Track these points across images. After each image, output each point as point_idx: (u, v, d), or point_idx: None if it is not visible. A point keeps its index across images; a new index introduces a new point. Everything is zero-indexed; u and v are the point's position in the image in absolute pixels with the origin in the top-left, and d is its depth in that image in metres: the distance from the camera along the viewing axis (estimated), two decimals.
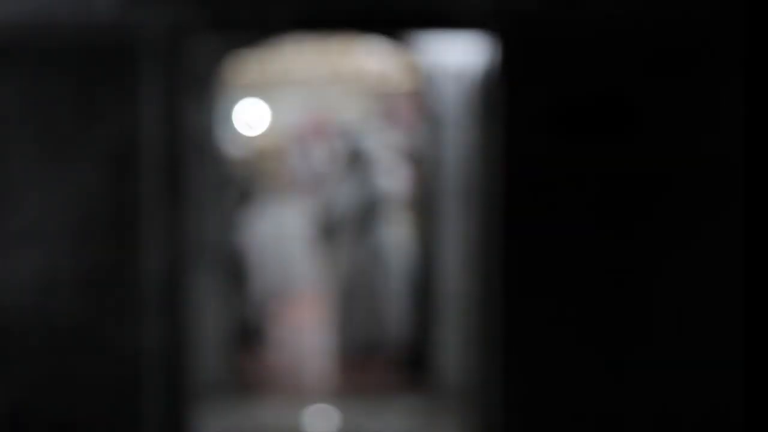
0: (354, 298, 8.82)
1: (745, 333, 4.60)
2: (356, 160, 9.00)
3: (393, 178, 8.78)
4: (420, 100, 7.82)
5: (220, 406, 7.02)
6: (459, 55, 6.79)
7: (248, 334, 8.31)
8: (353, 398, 7.23)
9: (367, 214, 8.81)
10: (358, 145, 9.09)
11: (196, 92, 6.87)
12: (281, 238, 9.01)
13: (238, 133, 12.73)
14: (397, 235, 8.54)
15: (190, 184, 5.93)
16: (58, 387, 5.01)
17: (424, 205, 7.42)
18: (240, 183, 8.45)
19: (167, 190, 4.98)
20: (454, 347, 6.95)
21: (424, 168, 7.37)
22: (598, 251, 4.94)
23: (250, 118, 16.70)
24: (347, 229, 8.89)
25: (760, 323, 4.28)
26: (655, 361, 4.95)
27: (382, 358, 8.49)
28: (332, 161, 15.03)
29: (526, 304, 4.96)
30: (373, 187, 8.79)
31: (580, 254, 4.95)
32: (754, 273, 4.39)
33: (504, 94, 4.93)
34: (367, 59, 10.17)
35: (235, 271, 7.83)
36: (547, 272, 4.95)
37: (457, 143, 6.87)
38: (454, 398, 6.91)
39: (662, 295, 4.94)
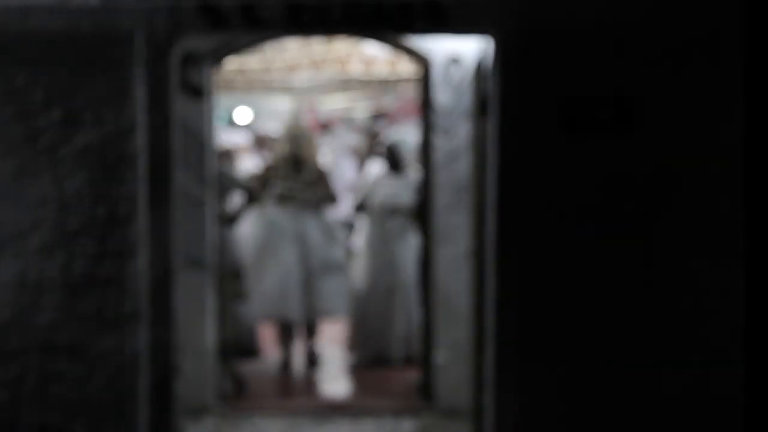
0: (375, 309, 8.76)
1: (745, 335, 4.66)
2: (396, 159, 8.92)
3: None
4: (420, 95, 7.83)
5: (212, 421, 7.06)
6: (459, 50, 6.86)
7: (245, 345, 8.17)
8: (355, 413, 7.26)
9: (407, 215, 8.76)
10: (395, 143, 8.96)
11: (190, 92, 6.93)
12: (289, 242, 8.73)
13: (237, 133, 12.74)
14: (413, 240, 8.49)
15: (180, 187, 5.93)
16: (43, 396, 5.05)
17: (425, 207, 7.41)
18: (240, 186, 8.31)
19: (156, 193, 4.98)
20: (453, 361, 7.00)
21: (425, 166, 7.36)
22: (597, 253, 4.97)
23: (248, 117, 16.73)
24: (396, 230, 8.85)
25: (761, 324, 4.35)
26: (655, 368, 4.98)
27: (390, 374, 8.52)
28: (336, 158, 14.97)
29: (522, 311, 4.99)
30: (411, 187, 8.69)
31: (579, 257, 4.97)
32: (755, 274, 4.46)
33: (501, 92, 4.95)
34: (368, 55, 10.19)
35: (231, 278, 7.75)
36: (544, 277, 4.98)
37: (457, 141, 6.91)
38: (455, 416, 6.97)
39: (663, 296, 4.97)
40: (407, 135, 9.34)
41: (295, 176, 8.62)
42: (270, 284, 8.47)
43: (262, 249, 8.60)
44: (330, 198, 8.79)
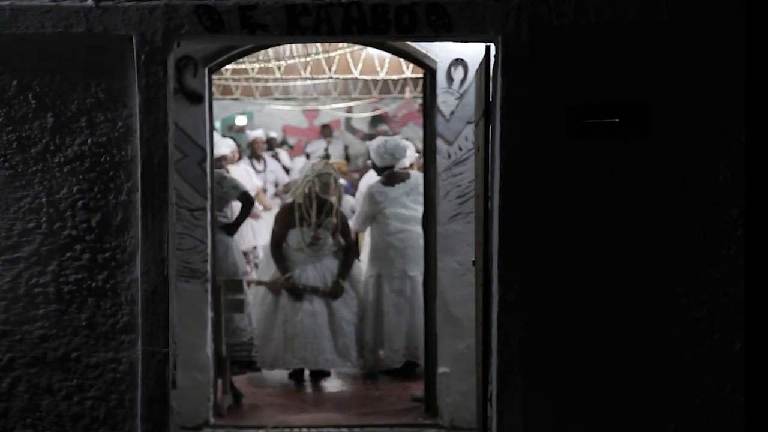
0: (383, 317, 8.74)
1: (746, 339, 4.70)
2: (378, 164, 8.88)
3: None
4: (423, 101, 7.83)
5: None
6: (463, 55, 6.86)
7: (243, 357, 8.14)
8: (356, 429, 7.24)
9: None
10: (377, 146, 8.91)
11: (188, 97, 6.92)
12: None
13: (237, 137, 12.76)
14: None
15: (176, 195, 5.93)
16: (35, 409, 5.05)
17: (426, 215, 7.40)
18: (240, 193, 8.28)
19: (151, 201, 4.96)
20: (457, 374, 6.99)
21: (427, 173, 7.35)
22: (603, 260, 5.00)
23: (248, 122, 16.76)
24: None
25: (761, 326, 4.39)
26: (661, 380, 5.00)
27: (395, 386, 8.50)
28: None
29: (528, 322, 4.99)
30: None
31: (584, 265, 5.00)
32: (757, 276, 4.49)
33: (505, 97, 4.96)
34: (369, 59, 10.19)
35: (231, 287, 7.72)
36: (550, 286, 4.99)
37: (460, 147, 6.90)
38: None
39: (670, 305, 4.99)
40: (401, 138, 9.29)
41: (319, 221, 8.55)
42: (290, 332, 8.45)
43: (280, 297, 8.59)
44: (351, 248, 8.74)
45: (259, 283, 8.66)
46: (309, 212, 8.52)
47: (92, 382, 5.04)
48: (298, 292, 8.45)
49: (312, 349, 8.43)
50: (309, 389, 8.56)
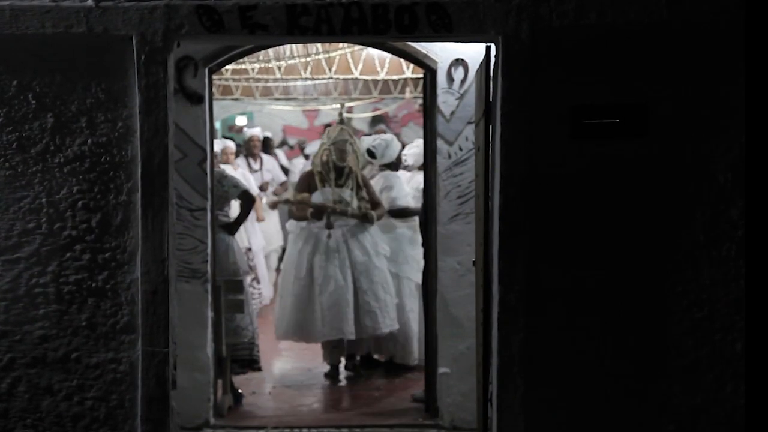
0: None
1: (746, 340, 4.71)
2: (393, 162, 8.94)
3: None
4: (423, 101, 7.82)
5: None
6: (463, 55, 6.86)
7: (244, 357, 8.13)
8: (356, 429, 7.25)
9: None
10: (372, 147, 8.97)
11: (188, 98, 6.92)
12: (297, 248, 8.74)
13: (238, 138, 12.75)
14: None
15: (177, 195, 5.92)
16: (35, 410, 5.06)
17: (427, 215, 7.40)
18: (241, 193, 8.27)
19: (151, 201, 4.97)
20: (457, 375, 6.99)
21: (428, 173, 7.35)
22: (604, 261, 5.00)
23: (248, 122, 16.75)
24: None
25: (762, 326, 4.41)
26: (663, 379, 5.01)
27: (396, 385, 8.52)
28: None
29: (528, 324, 5.00)
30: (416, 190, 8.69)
31: (585, 265, 5.00)
32: (757, 276, 4.51)
33: (506, 98, 4.96)
34: (370, 59, 10.19)
35: (231, 287, 7.71)
36: (551, 288, 5.00)
37: (461, 147, 6.91)
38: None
39: (672, 305, 5.00)
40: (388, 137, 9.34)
41: (338, 184, 8.58)
42: (325, 305, 8.44)
43: (307, 266, 8.56)
44: (377, 206, 8.68)
45: (299, 202, 8.67)
46: (329, 177, 8.57)
47: (92, 382, 5.06)
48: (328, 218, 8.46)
49: (343, 318, 8.42)
50: (309, 389, 8.56)
